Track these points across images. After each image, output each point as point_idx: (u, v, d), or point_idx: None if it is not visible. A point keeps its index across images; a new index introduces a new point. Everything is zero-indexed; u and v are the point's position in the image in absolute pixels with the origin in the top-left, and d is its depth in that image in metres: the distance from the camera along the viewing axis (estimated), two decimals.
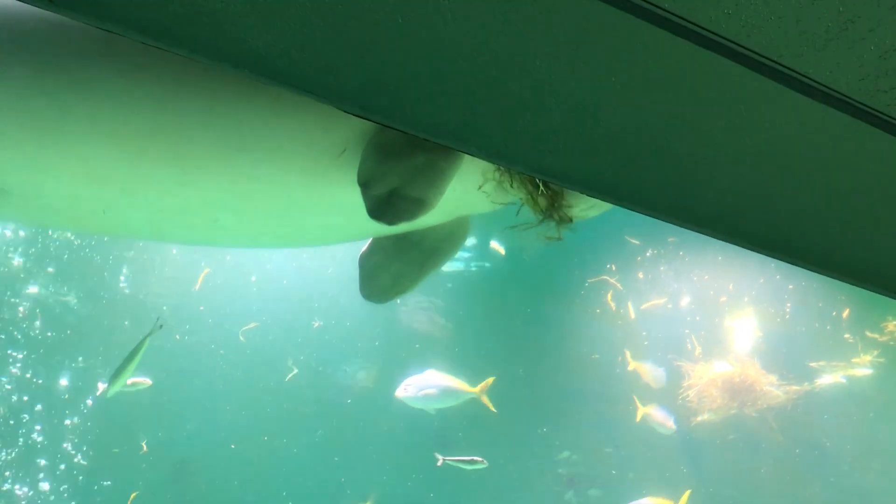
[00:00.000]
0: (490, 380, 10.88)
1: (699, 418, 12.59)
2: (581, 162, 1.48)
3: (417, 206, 3.16)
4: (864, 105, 1.50)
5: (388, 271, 4.30)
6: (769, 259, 1.87)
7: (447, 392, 10.59)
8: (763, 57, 1.38)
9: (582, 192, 1.55)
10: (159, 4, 1.10)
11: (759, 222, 1.71)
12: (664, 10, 1.26)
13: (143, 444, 12.41)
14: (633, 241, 11.61)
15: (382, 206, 3.13)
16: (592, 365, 13.10)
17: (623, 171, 1.52)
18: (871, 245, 1.78)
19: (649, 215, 1.63)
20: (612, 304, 12.33)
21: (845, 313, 12.07)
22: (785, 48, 1.36)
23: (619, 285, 12.13)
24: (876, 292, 1.90)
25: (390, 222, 3.16)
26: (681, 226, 1.65)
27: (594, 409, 13.39)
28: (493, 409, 10.99)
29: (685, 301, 12.48)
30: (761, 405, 12.28)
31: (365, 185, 3.17)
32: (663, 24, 1.29)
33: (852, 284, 1.85)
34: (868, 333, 12.09)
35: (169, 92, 2.95)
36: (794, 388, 12.32)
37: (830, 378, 12.41)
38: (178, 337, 12.73)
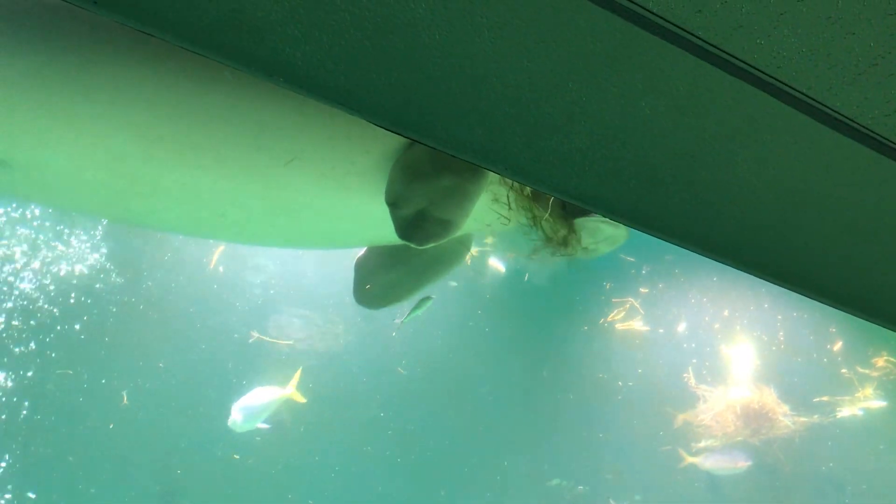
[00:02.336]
0: (298, 372, 10.71)
1: (702, 444, 12.49)
2: (605, 185, 1.48)
3: (445, 227, 3.19)
4: (890, 141, 1.51)
5: (383, 279, 4.32)
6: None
7: (265, 404, 10.40)
8: (792, 88, 1.39)
9: (605, 216, 1.55)
10: (200, 11, 1.12)
11: (781, 255, 1.71)
12: (698, 37, 1.27)
13: (124, 394, 12.00)
14: (628, 258, 11.51)
15: (411, 228, 3.16)
16: (590, 386, 12.98)
17: (647, 196, 1.52)
18: (890, 282, 1.77)
19: (670, 242, 1.64)
20: (623, 324, 12.25)
21: (837, 347, 12.03)
22: (814, 80, 1.37)
23: (641, 309, 12.05)
24: (893, 330, 1.90)
25: (420, 244, 3.19)
26: (702, 254, 1.65)
27: (591, 433, 13.28)
28: (303, 400, 10.76)
29: (683, 323, 12.40)
30: (773, 434, 12.18)
31: (393, 205, 3.20)
32: (695, 50, 1.30)
33: (876, 324, 1.84)
34: (859, 369, 12.04)
35: (195, 84, 2.95)
36: (803, 419, 12.23)
37: (836, 410, 12.33)
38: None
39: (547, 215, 3.71)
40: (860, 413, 12.26)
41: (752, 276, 1.76)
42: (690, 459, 11.94)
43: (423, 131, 1.30)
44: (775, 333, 12.18)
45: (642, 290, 12.00)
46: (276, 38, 1.13)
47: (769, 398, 12.06)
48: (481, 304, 12.33)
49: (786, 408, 12.15)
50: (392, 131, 1.31)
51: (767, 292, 11.52)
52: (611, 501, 11.94)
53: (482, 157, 1.35)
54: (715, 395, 12.22)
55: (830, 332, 11.91)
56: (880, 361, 11.84)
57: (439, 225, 3.16)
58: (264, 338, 12.51)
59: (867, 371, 11.98)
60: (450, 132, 1.30)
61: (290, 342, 12.55)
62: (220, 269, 11.86)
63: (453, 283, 11.85)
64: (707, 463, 11.91)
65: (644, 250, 11.16)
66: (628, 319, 12.29)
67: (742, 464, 11.82)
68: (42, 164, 3.31)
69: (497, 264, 11.77)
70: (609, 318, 12.27)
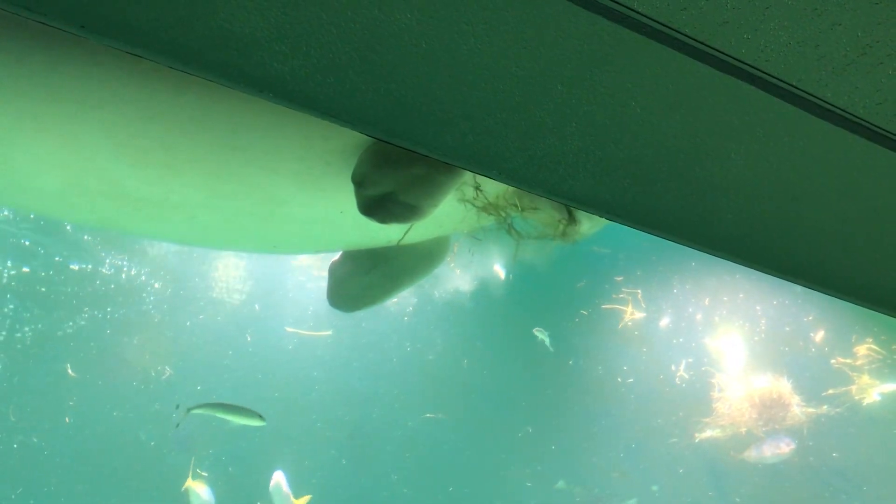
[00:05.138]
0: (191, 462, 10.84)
1: (705, 434, 12.43)
2: (600, 186, 1.48)
3: (411, 211, 3.13)
4: (882, 129, 1.51)
5: (358, 281, 4.28)
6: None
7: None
8: (781, 81, 1.39)
9: (601, 216, 1.56)
10: (187, 31, 1.12)
11: (776, 246, 1.71)
12: (684, 34, 1.27)
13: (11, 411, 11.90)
14: (603, 250, 11.36)
15: (375, 206, 3.10)
16: (591, 384, 12.87)
17: (642, 195, 1.52)
18: (886, 268, 1.77)
19: (667, 239, 1.64)
20: (629, 311, 12.11)
21: (819, 337, 11.92)
22: (803, 72, 1.37)
23: (643, 303, 11.93)
24: (892, 316, 1.89)
25: (381, 221, 3.12)
26: (699, 249, 1.65)
27: (595, 431, 13.23)
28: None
29: (676, 313, 12.26)
30: (784, 425, 12.12)
31: (359, 184, 3.13)
32: (683, 48, 1.30)
33: (871, 309, 1.84)
34: (840, 359, 11.95)
35: (167, 83, 2.87)
36: (811, 410, 12.17)
37: (849, 400, 12.26)
38: None
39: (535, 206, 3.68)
40: (878, 398, 12.16)
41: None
42: (740, 456, 11.96)
43: (415, 140, 1.31)
44: (757, 322, 12.06)
45: (617, 278, 11.75)
46: (264, 54, 1.14)
47: (785, 389, 12.00)
48: (480, 306, 12.31)
49: (798, 398, 12.10)
50: (384, 141, 1.32)
51: (744, 277, 11.36)
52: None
53: (475, 164, 1.36)
54: (731, 385, 12.15)
55: (807, 321, 11.80)
56: (862, 350, 11.77)
57: (405, 208, 3.11)
58: (301, 332, 12.46)
59: (849, 361, 11.89)
60: (441, 140, 1.30)
61: (329, 332, 12.51)
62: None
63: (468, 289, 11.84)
64: (754, 454, 11.93)
65: (621, 240, 10.99)
66: (626, 314, 12.19)
67: (786, 448, 11.83)
68: (5, 162, 3.21)
69: (499, 270, 11.74)
70: (619, 319, 12.18)
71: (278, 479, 10.71)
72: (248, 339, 12.51)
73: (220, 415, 9.59)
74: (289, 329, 12.34)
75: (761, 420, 12.10)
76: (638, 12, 1.21)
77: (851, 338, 11.68)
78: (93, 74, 2.84)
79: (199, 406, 9.44)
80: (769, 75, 1.37)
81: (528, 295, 11.96)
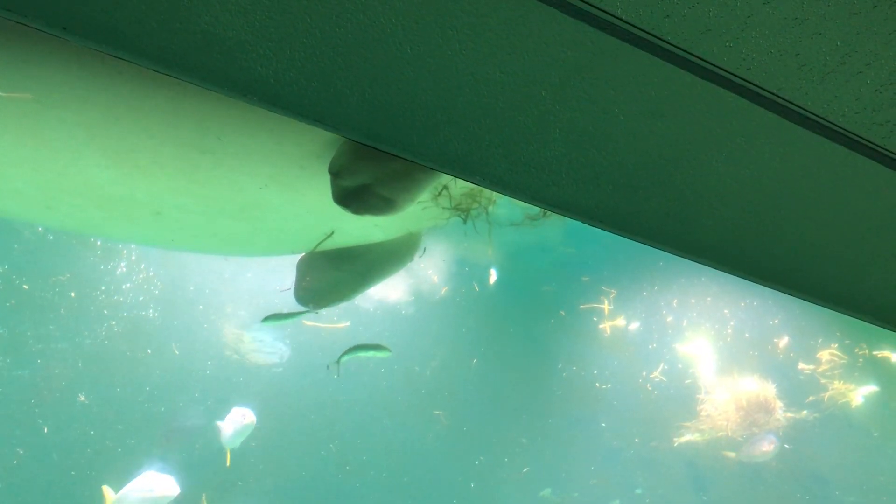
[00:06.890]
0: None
1: (684, 438, 12.52)
2: (583, 192, 1.49)
3: (386, 204, 3.14)
4: (860, 137, 1.53)
5: (326, 277, 4.27)
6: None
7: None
8: (762, 89, 1.40)
9: (584, 222, 1.56)
10: (171, 34, 1.11)
11: (757, 252, 1.72)
12: (667, 42, 1.28)
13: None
14: (569, 249, 11.30)
15: (351, 196, 3.10)
16: (572, 390, 12.86)
17: (625, 201, 1.53)
18: (866, 275, 1.79)
19: (649, 245, 1.65)
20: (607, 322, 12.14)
21: (782, 343, 12.02)
22: (784, 81, 1.39)
23: (612, 304, 11.93)
24: (871, 322, 1.92)
25: (355, 212, 3.13)
26: (681, 256, 1.66)
27: (574, 437, 13.25)
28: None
29: (636, 322, 12.26)
30: (764, 430, 12.24)
31: (336, 174, 3.13)
32: (665, 55, 1.31)
33: (847, 315, 1.86)
34: (802, 365, 12.07)
35: (133, 85, 2.82)
36: (790, 414, 12.30)
37: (821, 406, 12.41)
38: None
39: None
40: (861, 400, 12.31)
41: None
42: (731, 455, 12.17)
43: (398, 145, 1.30)
44: (726, 326, 12.13)
45: (584, 278, 11.67)
46: (248, 57, 1.13)
47: (770, 393, 12.12)
48: (449, 310, 12.27)
49: (780, 403, 12.22)
50: (368, 146, 1.31)
51: (711, 280, 11.35)
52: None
53: (459, 169, 1.36)
54: (717, 388, 12.25)
55: (773, 325, 11.89)
56: (825, 355, 11.91)
57: (380, 200, 3.11)
58: (318, 324, 12.33)
59: (811, 367, 12.01)
60: (425, 145, 1.30)
61: (347, 324, 12.40)
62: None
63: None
64: (741, 455, 12.16)
65: (588, 239, 10.95)
66: (601, 318, 12.21)
67: (769, 447, 12.05)
68: None
69: (493, 273, 11.68)
70: (593, 321, 12.19)
71: (246, 417, 10.55)
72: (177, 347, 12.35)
73: (362, 354, 9.71)
74: (306, 322, 12.21)
75: (744, 424, 12.21)
76: (622, 20, 1.22)
77: (816, 342, 11.83)
78: (52, 73, 2.78)
79: (343, 354, 9.52)
80: (750, 83, 1.38)
81: (498, 297, 11.95)
